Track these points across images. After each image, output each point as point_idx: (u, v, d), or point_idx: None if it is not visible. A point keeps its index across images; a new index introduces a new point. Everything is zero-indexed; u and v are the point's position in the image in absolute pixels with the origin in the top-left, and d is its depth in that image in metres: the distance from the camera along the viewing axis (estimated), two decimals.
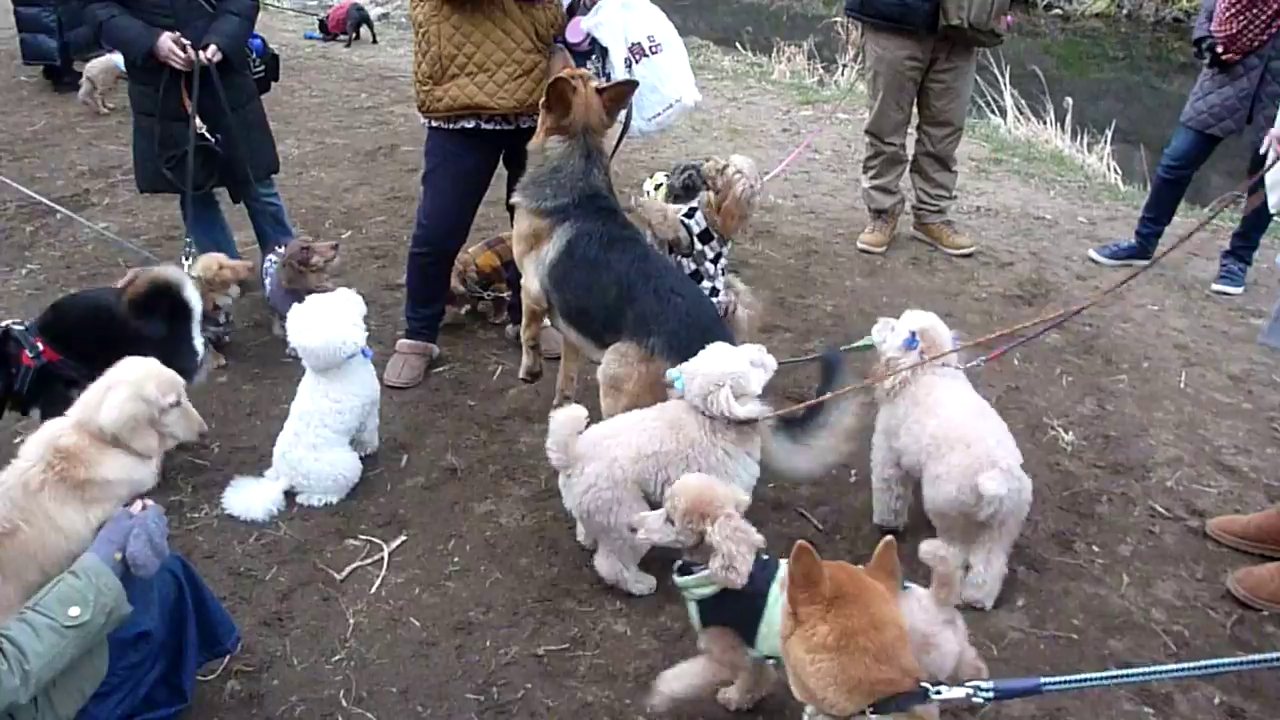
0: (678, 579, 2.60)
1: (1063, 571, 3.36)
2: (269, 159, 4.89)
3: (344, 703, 2.80)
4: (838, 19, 13.51)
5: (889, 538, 2.26)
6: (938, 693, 2.01)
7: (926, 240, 5.95)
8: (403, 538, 3.45)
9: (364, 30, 11.41)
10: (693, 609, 2.60)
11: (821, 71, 11.23)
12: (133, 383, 2.67)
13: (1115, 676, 2.14)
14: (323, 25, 11.45)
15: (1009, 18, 5.27)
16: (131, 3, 4.23)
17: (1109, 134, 8.82)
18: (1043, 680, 1.97)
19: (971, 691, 2.00)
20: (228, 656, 2.88)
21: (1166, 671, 2.52)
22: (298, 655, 2.96)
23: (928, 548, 2.42)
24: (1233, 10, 4.99)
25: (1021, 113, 9.56)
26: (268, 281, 4.62)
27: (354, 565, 3.32)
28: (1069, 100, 9.56)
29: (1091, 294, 5.30)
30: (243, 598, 3.17)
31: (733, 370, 2.98)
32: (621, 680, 2.89)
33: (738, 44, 12.37)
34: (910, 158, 5.85)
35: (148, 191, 4.88)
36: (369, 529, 3.50)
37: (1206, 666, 2.01)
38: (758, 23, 15.84)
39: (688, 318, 3.32)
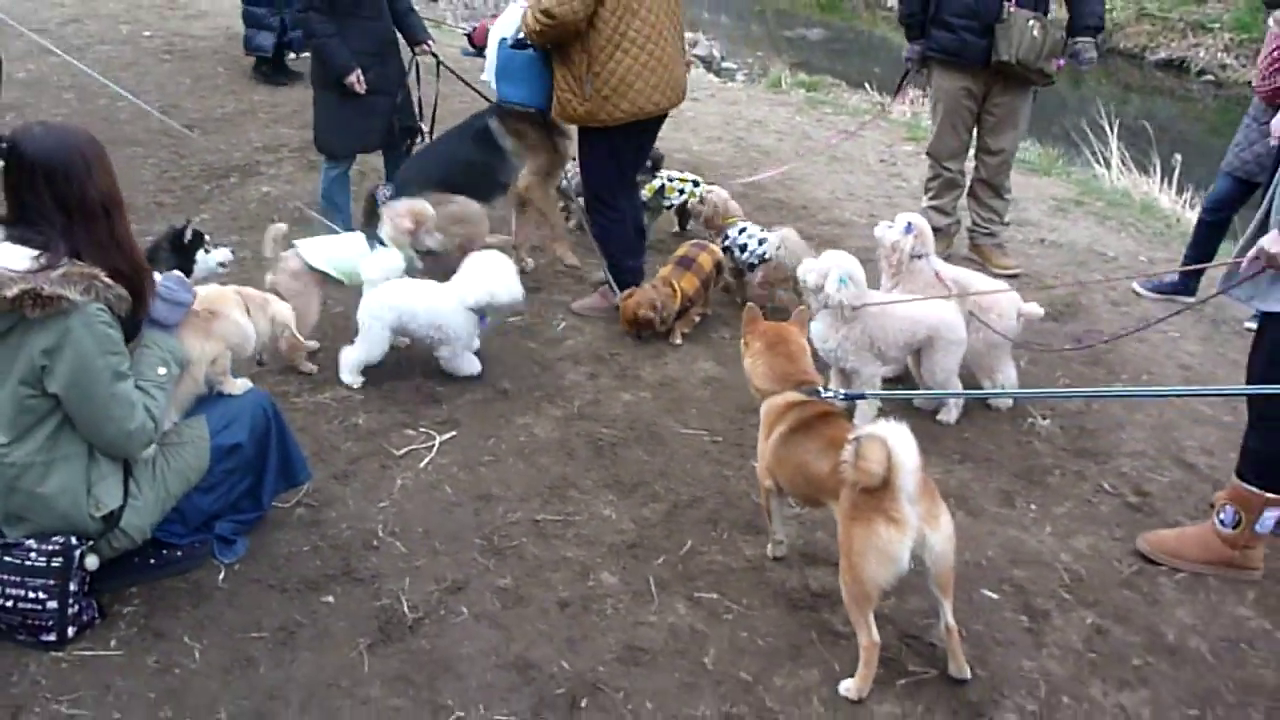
0: None
1: (995, 519, 3.88)
2: (417, 125, 6.38)
3: (380, 533, 3.62)
4: None
5: (801, 308, 3.77)
6: (824, 391, 3.31)
7: (977, 260, 6.45)
8: (453, 433, 4.25)
9: None
10: None
11: None
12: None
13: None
14: (470, 40, 12.31)
15: (1060, 60, 5.77)
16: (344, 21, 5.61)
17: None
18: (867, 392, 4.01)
19: (833, 395, 3.33)
20: (301, 490, 3.73)
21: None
22: (353, 500, 3.80)
23: None
24: (1275, 66, 5.36)
25: (1126, 165, 9.79)
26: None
27: (410, 447, 4.15)
28: (1178, 157, 9.75)
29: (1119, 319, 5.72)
30: (321, 459, 4.02)
31: None
32: (597, 546, 3.61)
33: (865, 84, 12.95)
34: (968, 184, 6.39)
35: (338, 157, 6.14)
36: (428, 424, 4.32)
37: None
38: (893, 66, 16.29)
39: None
